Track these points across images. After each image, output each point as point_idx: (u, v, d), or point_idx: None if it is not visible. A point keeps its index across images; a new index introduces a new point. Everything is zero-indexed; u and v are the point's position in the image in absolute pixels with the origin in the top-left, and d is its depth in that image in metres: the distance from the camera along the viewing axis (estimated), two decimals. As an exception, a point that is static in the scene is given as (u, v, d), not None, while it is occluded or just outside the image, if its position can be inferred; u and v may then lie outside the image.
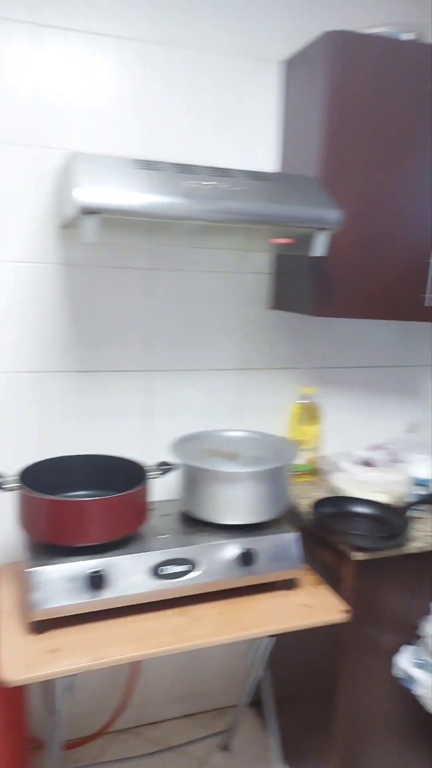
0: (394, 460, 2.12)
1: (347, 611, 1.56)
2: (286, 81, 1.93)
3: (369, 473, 1.97)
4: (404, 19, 2.05)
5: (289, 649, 1.90)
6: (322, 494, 1.96)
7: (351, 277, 1.80)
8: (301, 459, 2.09)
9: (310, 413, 2.10)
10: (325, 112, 1.70)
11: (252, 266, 2.04)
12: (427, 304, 1.89)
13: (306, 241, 1.57)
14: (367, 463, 2.13)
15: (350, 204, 1.75)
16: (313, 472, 2.13)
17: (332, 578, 1.71)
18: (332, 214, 1.54)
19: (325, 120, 1.70)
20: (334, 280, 1.78)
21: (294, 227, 1.53)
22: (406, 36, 1.80)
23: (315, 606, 1.59)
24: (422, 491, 1.83)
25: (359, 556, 1.62)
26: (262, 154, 1.97)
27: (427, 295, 1.88)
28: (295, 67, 1.87)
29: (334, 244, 1.72)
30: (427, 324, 1.95)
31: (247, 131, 1.95)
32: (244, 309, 2.07)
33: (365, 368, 2.28)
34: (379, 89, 1.72)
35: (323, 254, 1.57)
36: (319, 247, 1.58)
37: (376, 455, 2.12)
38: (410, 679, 1.68)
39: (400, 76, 1.73)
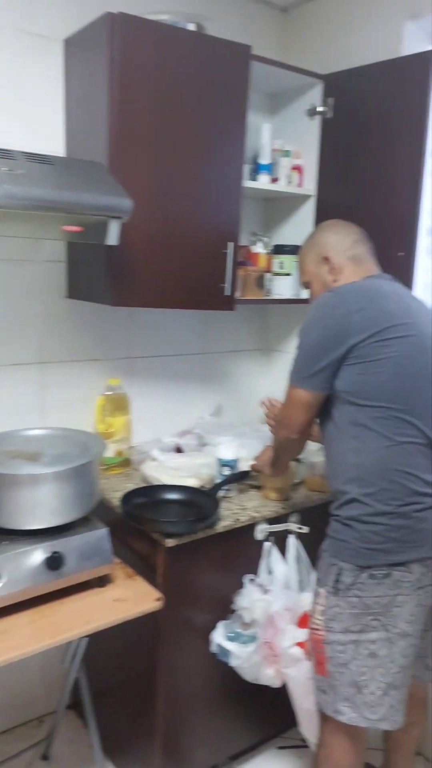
0: (202, 444, 2.18)
1: (160, 599, 1.57)
2: (67, 62, 1.86)
3: (178, 459, 2.00)
4: (188, 9, 2.07)
5: (108, 644, 1.88)
6: (133, 485, 1.95)
7: (147, 267, 1.80)
8: (111, 451, 2.06)
9: (117, 404, 2.07)
10: (109, 97, 1.67)
11: (47, 254, 1.96)
12: (226, 293, 1.95)
13: (96, 229, 1.53)
14: (177, 449, 2.16)
15: (142, 192, 1.74)
16: (125, 463, 2.11)
17: (148, 567, 1.71)
18: (123, 202, 1.52)
19: (110, 106, 1.67)
20: (130, 270, 1.77)
21: (83, 215, 1.48)
22: (189, 26, 1.82)
23: (129, 599, 1.57)
24: (228, 471, 1.89)
25: (170, 542, 1.64)
26: (49, 137, 1.89)
27: (226, 285, 1.94)
28: (76, 47, 1.81)
29: (128, 234, 1.70)
30: (227, 312, 2.02)
31: (32, 113, 1.85)
32: (42, 299, 1.97)
33: (170, 357, 2.31)
34: (163, 77, 1.73)
35: (116, 243, 1.54)
36: (112, 235, 1.55)
37: (184, 441, 2.17)
38: (225, 652, 1.75)
39: (183, 66, 1.75)
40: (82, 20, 1.78)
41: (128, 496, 1.78)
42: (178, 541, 1.65)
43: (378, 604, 1.44)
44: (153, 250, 1.80)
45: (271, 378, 2.58)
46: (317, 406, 1.53)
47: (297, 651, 1.70)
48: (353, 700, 1.49)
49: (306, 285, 1.73)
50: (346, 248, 1.62)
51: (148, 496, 1.83)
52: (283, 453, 1.70)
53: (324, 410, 1.55)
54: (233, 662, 1.74)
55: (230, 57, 1.83)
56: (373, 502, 1.44)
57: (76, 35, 1.80)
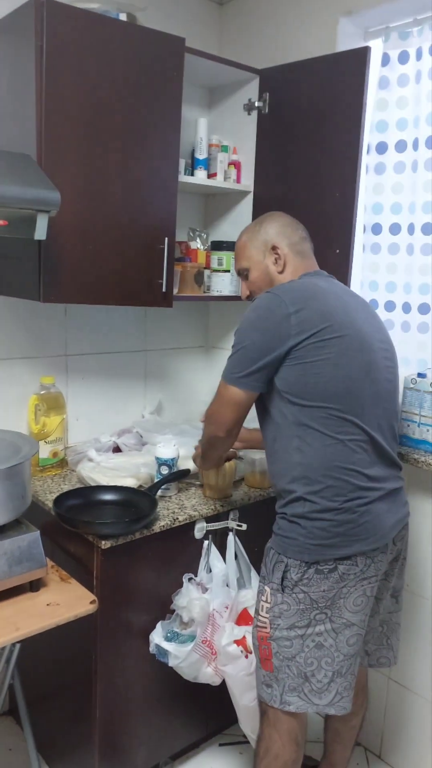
0: (142, 443, 2.15)
1: (94, 602, 1.54)
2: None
3: (115, 459, 1.97)
4: None
5: (44, 648, 1.84)
6: (69, 487, 1.91)
7: (79, 262, 1.76)
8: (46, 452, 2.01)
9: (51, 404, 2.02)
10: (37, 86, 1.61)
11: (-25, 250, 1.89)
12: (162, 290, 1.92)
13: (23, 223, 1.47)
14: (116, 449, 2.13)
15: (74, 185, 1.70)
16: (60, 464, 2.07)
17: (84, 570, 1.67)
18: (51, 195, 1.47)
19: (38, 95, 1.62)
20: (61, 265, 1.72)
21: (8, 208, 1.43)
22: (120, 16, 1.78)
23: (63, 603, 1.54)
24: (167, 471, 1.87)
25: (105, 544, 1.61)
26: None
27: (163, 281, 1.91)
28: (2, 32, 1.74)
29: (58, 228, 1.65)
30: (166, 309, 2.00)
31: (-43, 101, 1.78)
32: (-30, 296, 1.91)
33: (108, 354, 2.27)
34: (93, 68, 1.68)
35: (44, 237, 1.49)
36: (40, 230, 1.50)
37: (123, 440, 2.13)
38: (163, 652, 1.73)
39: (114, 57, 1.71)
40: (12, 3, 1.71)
41: (61, 498, 1.74)
42: (114, 542, 1.62)
43: (324, 598, 1.45)
44: (85, 245, 1.76)
45: (212, 375, 2.56)
46: (248, 406, 1.53)
47: (235, 648, 1.70)
48: (301, 689, 1.50)
49: (242, 272, 1.68)
50: (295, 242, 1.62)
51: (83, 497, 1.79)
52: (210, 449, 1.67)
53: (265, 411, 1.54)
54: (171, 662, 1.72)
55: (164, 49, 1.80)
56: (319, 499, 1.44)
57: (3, 20, 1.73)
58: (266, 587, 1.53)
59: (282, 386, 1.46)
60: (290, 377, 1.45)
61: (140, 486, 1.91)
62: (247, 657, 1.70)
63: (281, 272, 1.61)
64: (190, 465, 1.93)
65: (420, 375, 1.86)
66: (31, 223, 1.50)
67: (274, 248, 1.61)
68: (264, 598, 1.53)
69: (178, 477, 1.90)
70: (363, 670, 1.76)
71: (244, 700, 1.73)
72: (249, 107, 2.17)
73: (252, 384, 1.48)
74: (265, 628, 1.53)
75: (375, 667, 1.72)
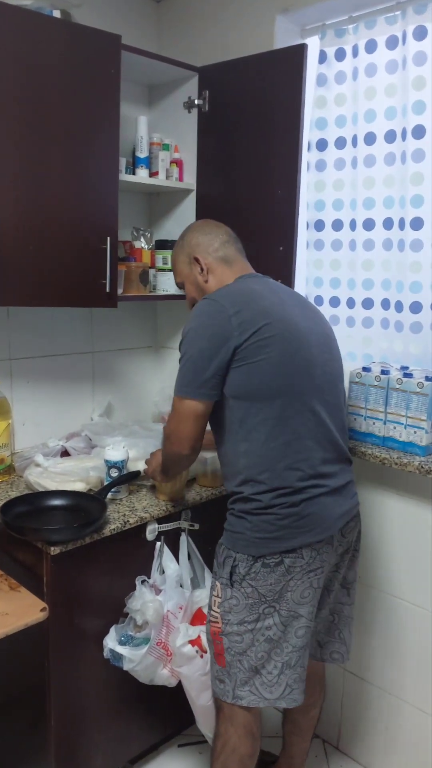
0: (91, 446, 2.12)
1: (45, 609, 1.51)
2: None
3: (63, 464, 1.93)
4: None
5: (-4, 661, 1.80)
6: (17, 493, 1.87)
7: (19, 264, 1.72)
8: (-8, 458, 1.97)
9: (-4, 409, 1.98)
10: (-31, 84, 1.57)
11: None
12: (106, 290, 1.89)
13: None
14: (65, 453, 2.09)
15: (10, 185, 1.66)
16: (7, 470, 2.02)
17: (34, 577, 1.64)
18: (-15, 197, 1.43)
19: (-29, 93, 1.57)
20: (0, 267, 1.68)
21: None
22: (53, 13, 1.75)
23: (12, 612, 1.50)
24: (116, 473, 1.85)
25: (55, 550, 1.58)
26: None
27: (106, 281, 1.89)
28: None
29: (-4, 229, 1.61)
30: (113, 309, 1.97)
31: None
32: None
33: (55, 356, 2.23)
34: (27, 65, 1.65)
35: (-20, 240, 1.45)
36: (-25, 232, 1.46)
37: (72, 444, 2.10)
38: (117, 656, 1.71)
39: (49, 54, 1.68)
40: None
41: (8, 506, 1.70)
42: (63, 548, 1.59)
43: (271, 591, 1.47)
44: (24, 246, 1.72)
45: (162, 375, 2.55)
46: (207, 416, 1.53)
47: (190, 649, 1.69)
48: (251, 682, 1.51)
49: (180, 286, 1.73)
50: (215, 249, 1.64)
51: (31, 503, 1.75)
52: (174, 467, 1.66)
53: (214, 417, 1.54)
54: (126, 666, 1.70)
55: (99, 46, 1.77)
56: (263, 497, 1.47)
57: None
58: (217, 582, 1.55)
59: (228, 391, 1.48)
60: (236, 380, 1.46)
61: (90, 490, 1.88)
62: (202, 657, 1.70)
63: (207, 281, 1.63)
64: (140, 466, 1.92)
65: (365, 369, 1.89)
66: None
67: (196, 260, 1.64)
68: (215, 593, 1.55)
69: (128, 479, 1.88)
70: (319, 663, 1.78)
71: (201, 700, 1.72)
72: (189, 105, 2.16)
73: (207, 392, 1.48)
74: (217, 623, 1.54)
75: (327, 661, 1.74)
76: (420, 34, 1.76)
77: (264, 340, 1.45)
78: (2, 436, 1.98)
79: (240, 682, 1.52)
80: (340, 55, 1.94)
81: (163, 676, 1.76)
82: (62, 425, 2.24)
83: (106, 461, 1.86)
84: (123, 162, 2.02)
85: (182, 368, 1.51)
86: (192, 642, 1.70)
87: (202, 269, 1.63)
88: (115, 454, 1.86)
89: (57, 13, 1.74)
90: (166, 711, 1.99)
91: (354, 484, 1.63)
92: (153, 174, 2.15)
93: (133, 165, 2.12)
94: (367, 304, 2.00)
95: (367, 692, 2.01)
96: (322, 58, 1.96)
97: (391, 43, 1.83)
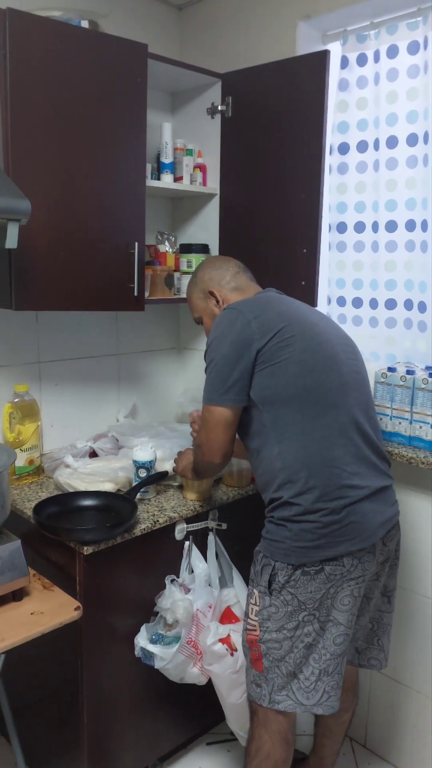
0: (118, 447, 2.15)
1: (78, 608, 1.54)
2: None
3: (92, 464, 1.96)
4: (84, 6, 2.03)
5: (29, 656, 1.82)
6: (47, 494, 1.90)
7: (51, 269, 1.76)
8: (22, 460, 2.00)
9: (26, 411, 2.01)
10: (2, 95, 1.61)
11: None
12: (134, 293, 1.93)
13: (-6, 232, 1.48)
14: (93, 454, 2.12)
15: (43, 193, 1.70)
16: (37, 471, 2.06)
17: (67, 577, 1.67)
18: (21, 204, 1.47)
19: (3, 104, 1.61)
20: (32, 273, 1.72)
21: (-22, 218, 1.43)
22: (81, 23, 1.78)
23: (47, 611, 1.53)
24: (145, 473, 1.88)
25: (87, 550, 1.61)
26: None
27: (134, 285, 1.92)
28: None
29: (29, 235, 1.65)
30: (138, 312, 2.01)
31: None
32: None
33: (81, 359, 2.26)
34: (58, 75, 1.69)
35: (15, 246, 1.49)
36: (11, 238, 1.50)
37: (99, 445, 2.13)
38: (149, 655, 1.74)
39: (78, 64, 1.72)
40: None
41: (41, 506, 1.73)
42: (96, 548, 1.62)
43: (312, 599, 1.47)
44: (56, 252, 1.76)
45: (185, 376, 2.58)
46: (236, 423, 1.55)
47: (220, 647, 1.71)
48: (289, 687, 1.52)
49: (197, 321, 1.79)
50: (228, 281, 1.71)
51: (63, 504, 1.78)
52: (205, 473, 1.69)
53: (244, 425, 1.57)
54: (158, 664, 1.73)
55: (127, 55, 1.81)
56: (303, 501, 1.46)
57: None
58: (255, 590, 1.55)
59: (255, 396, 1.50)
60: (261, 383, 1.49)
61: (119, 490, 1.91)
62: (232, 655, 1.72)
63: None
64: (167, 467, 1.95)
65: (390, 369, 1.90)
66: (2, 232, 1.50)
67: (211, 293, 1.70)
68: (253, 601, 1.55)
69: (156, 479, 1.91)
70: (354, 669, 1.78)
71: (231, 698, 1.75)
72: (212, 111, 2.19)
73: (234, 398, 1.51)
74: (255, 631, 1.54)
75: (365, 667, 1.73)
76: (442, 38, 1.78)
77: (285, 341, 1.49)
78: (32, 438, 2.02)
79: (277, 687, 1.52)
80: (361, 60, 1.96)
81: (194, 674, 1.78)
82: (89, 426, 2.27)
83: (135, 462, 1.89)
84: (149, 168, 2.05)
85: (208, 377, 1.54)
86: (222, 640, 1.73)
87: (217, 301, 1.70)
88: (143, 454, 1.89)
89: (85, 24, 1.78)
90: (194, 709, 2.02)
91: (393, 491, 1.61)
92: (177, 179, 2.18)
93: (158, 170, 2.15)
94: (390, 304, 2.02)
95: (394, 690, 2.02)
96: (344, 63, 1.98)
97: (413, 48, 1.85)
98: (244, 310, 1.53)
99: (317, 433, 1.48)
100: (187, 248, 2.24)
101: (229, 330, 1.52)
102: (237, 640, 1.74)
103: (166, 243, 2.25)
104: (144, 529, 1.73)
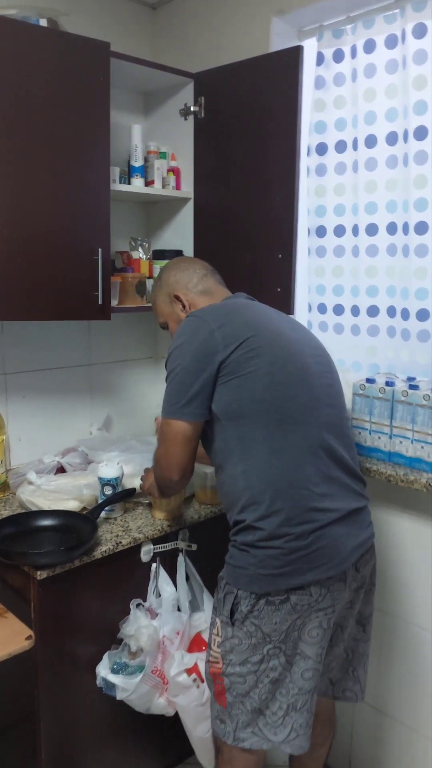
0: (87, 462, 2.06)
1: (30, 637, 1.44)
2: None
3: (57, 481, 1.87)
4: (53, 5, 1.95)
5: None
6: (9, 512, 1.81)
7: (7, 277, 1.68)
8: (-16, 477, 1.91)
9: (-12, 426, 1.92)
10: None
11: None
12: (99, 302, 1.84)
13: None
14: (61, 469, 2.03)
15: (-5, 197, 1.61)
16: (2, 488, 1.97)
17: (24, 602, 1.58)
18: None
19: None
20: (-14, 281, 1.63)
21: None
22: (40, 21, 1.71)
23: (-4, 640, 1.44)
24: (110, 491, 1.79)
25: (41, 574, 1.52)
26: None
27: (98, 293, 1.83)
28: None
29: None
30: (107, 321, 1.92)
31: None
32: None
33: (51, 370, 2.18)
34: (12, 75, 1.61)
35: (-40, 252, 1.40)
36: None
37: (67, 459, 2.04)
38: (110, 685, 1.63)
39: (35, 63, 1.64)
40: None
41: (-4, 527, 1.64)
42: (51, 572, 1.53)
43: (276, 631, 1.36)
44: (13, 259, 1.67)
45: (162, 386, 2.47)
46: (197, 438, 1.45)
47: (186, 678, 1.62)
48: (254, 723, 1.42)
49: (164, 326, 1.69)
50: (195, 284, 1.61)
51: (20, 524, 1.69)
52: (167, 490, 1.58)
53: (207, 440, 1.47)
54: (120, 695, 1.63)
55: (88, 54, 1.72)
56: (267, 525, 1.35)
57: None
58: (217, 619, 1.45)
59: (218, 410, 1.40)
60: (225, 397, 1.39)
61: (84, 508, 1.82)
62: (198, 687, 1.62)
63: None
64: (136, 483, 1.85)
65: (369, 380, 1.80)
66: None
67: (177, 297, 1.60)
68: (215, 631, 1.45)
69: (122, 497, 1.81)
70: (330, 701, 1.68)
71: (198, 732, 1.64)
72: (185, 112, 2.11)
73: (195, 412, 1.41)
74: (218, 663, 1.44)
75: (340, 699, 1.62)
76: (420, 31, 1.68)
77: (251, 351, 1.39)
78: (-5, 454, 1.93)
79: (242, 724, 1.42)
80: (338, 56, 1.87)
81: (160, 705, 1.68)
82: (60, 440, 2.18)
83: (100, 479, 1.80)
84: (117, 171, 1.97)
85: (168, 388, 1.45)
86: (188, 670, 1.63)
87: (183, 306, 1.60)
88: (108, 471, 1.79)
89: (44, 22, 1.70)
90: (165, 740, 1.91)
91: (369, 512, 1.50)
92: (149, 183, 2.09)
93: (129, 174, 2.07)
94: (372, 311, 1.92)
95: (377, 721, 1.91)
96: (320, 60, 1.89)
97: (391, 42, 1.76)
98: (208, 319, 1.43)
99: (285, 452, 1.38)
100: (160, 254, 2.15)
101: (191, 339, 1.42)
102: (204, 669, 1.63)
103: (140, 249, 2.17)
104: (105, 551, 1.63)
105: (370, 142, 1.84)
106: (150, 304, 2.12)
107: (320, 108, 1.92)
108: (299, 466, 1.38)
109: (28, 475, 1.87)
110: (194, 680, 1.63)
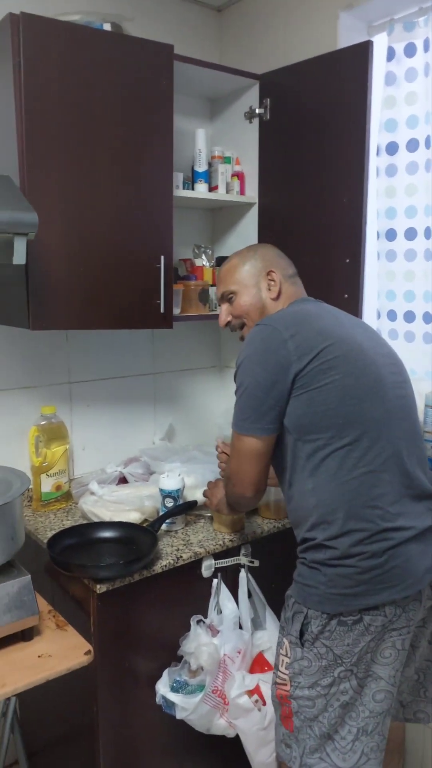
0: (149, 472, 2.03)
1: (89, 652, 1.42)
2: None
3: (119, 491, 1.85)
4: (117, 10, 1.95)
5: (44, 699, 1.73)
6: (72, 523, 1.81)
7: (69, 286, 1.67)
8: (48, 486, 1.92)
9: (52, 434, 1.93)
10: (16, 105, 1.54)
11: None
12: (161, 310, 1.81)
13: (3, 248, 1.39)
14: (123, 480, 2.02)
15: (59, 206, 1.61)
16: (65, 497, 1.97)
17: (84, 613, 1.56)
18: (26, 217, 1.38)
19: (18, 114, 1.54)
20: (49, 290, 1.63)
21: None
22: (104, 26, 1.70)
23: (56, 654, 1.42)
24: (171, 503, 1.75)
25: (101, 588, 1.49)
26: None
27: (161, 301, 1.81)
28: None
29: (45, 251, 1.57)
30: (171, 330, 1.89)
31: None
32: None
33: (115, 379, 2.17)
34: (76, 82, 1.60)
35: (23, 262, 1.40)
36: (19, 254, 1.41)
37: (130, 469, 2.02)
38: (170, 704, 1.59)
39: (98, 69, 1.63)
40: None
41: (57, 538, 1.63)
42: (111, 586, 1.50)
43: (349, 653, 1.29)
44: (75, 268, 1.66)
45: (227, 395, 2.44)
46: (269, 453, 1.38)
47: (246, 700, 1.55)
48: (322, 749, 1.34)
49: (226, 295, 1.55)
50: (289, 274, 1.54)
51: (81, 536, 1.68)
52: (238, 507, 1.54)
53: (276, 455, 1.40)
54: (179, 714, 1.58)
55: (150, 57, 1.70)
56: (339, 544, 1.28)
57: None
58: (285, 639, 1.38)
59: (290, 423, 1.33)
60: (297, 410, 1.32)
61: (145, 520, 1.79)
62: (260, 710, 1.55)
63: (275, 299, 1.50)
64: (198, 495, 1.81)
65: (442, 391, 1.70)
66: (9, 247, 1.41)
67: (271, 273, 1.51)
68: (283, 652, 1.38)
69: (183, 510, 1.77)
70: (400, 725, 1.58)
71: (260, 756, 1.58)
72: (250, 115, 2.06)
73: (267, 426, 1.34)
74: (285, 685, 1.36)
75: (411, 721, 1.53)
76: None
77: (327, 363, 1.31)
78: (59, 462, 1.93)
79: (309, 749, 1.34)
80: (409, 50, 1.78)
81: (221, 726, 1.62)
82: (123, 449, 2.17)
83: (161, 490, 1.76)
84: (180, 177, 1.94)
85: (239, 401, 1.38)
86: (249, 692, 1.56)
87: (272, 284, 1.50)
88: (169, 482, 1.76)
89: (107, 27, 1.69)
90: (227, 761, 1.85)
91: None
92: (213, 188, 2.06)
93: (192, 180, 2.04)
94: (446, 318, 1.81)
95: (452, 754, 1.79)
96: (391, 55, 1.81)
97: (468, 31, 1.66)
98: (280, 327, 1.34)
99: (357, 469, 1.30)
100: (222, 261, 2.10)
101: (262, 349, 1.35)
102: (267, 691, 1.57)
103: (203, 256, 2.13)
104: (165, 565, 1.59)
105: (445, 138, 1.74)
106: (213, 312, 2.09)
107: (390, 105, 1.84)
108: (373, 485, 1.30)
109: (90, 485, 1.86)
110: (255, 701, 1.57)
